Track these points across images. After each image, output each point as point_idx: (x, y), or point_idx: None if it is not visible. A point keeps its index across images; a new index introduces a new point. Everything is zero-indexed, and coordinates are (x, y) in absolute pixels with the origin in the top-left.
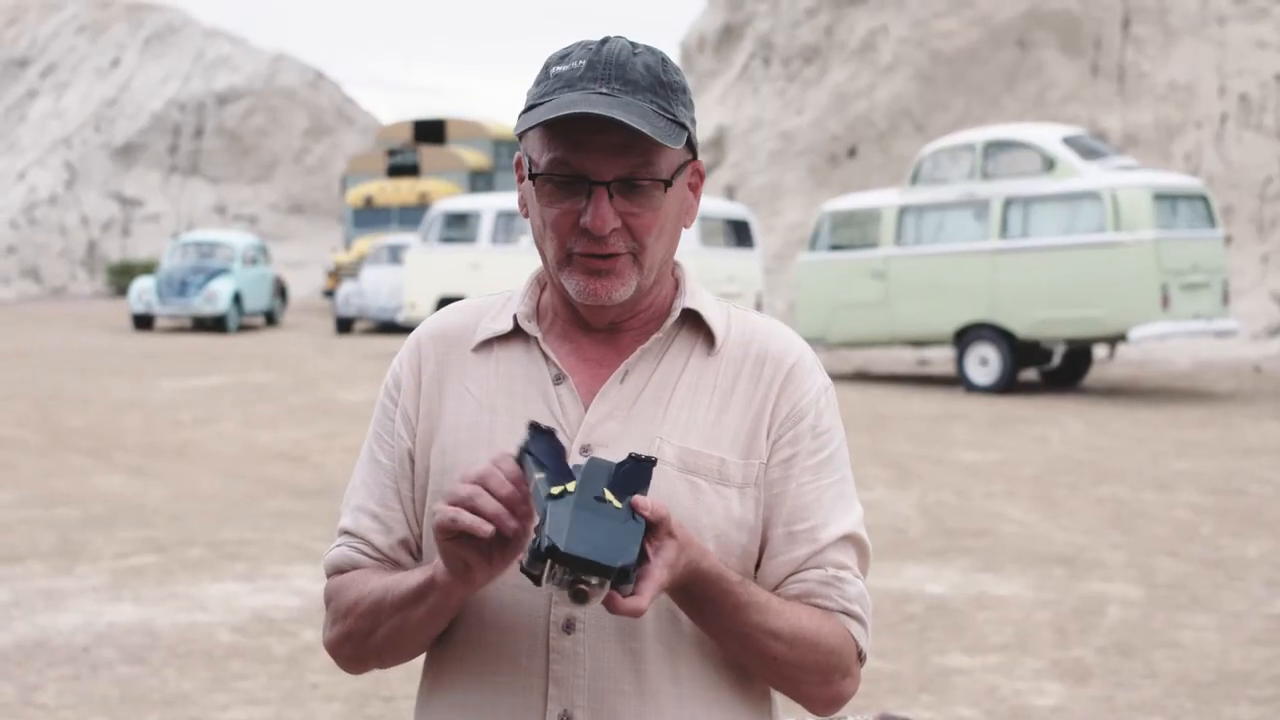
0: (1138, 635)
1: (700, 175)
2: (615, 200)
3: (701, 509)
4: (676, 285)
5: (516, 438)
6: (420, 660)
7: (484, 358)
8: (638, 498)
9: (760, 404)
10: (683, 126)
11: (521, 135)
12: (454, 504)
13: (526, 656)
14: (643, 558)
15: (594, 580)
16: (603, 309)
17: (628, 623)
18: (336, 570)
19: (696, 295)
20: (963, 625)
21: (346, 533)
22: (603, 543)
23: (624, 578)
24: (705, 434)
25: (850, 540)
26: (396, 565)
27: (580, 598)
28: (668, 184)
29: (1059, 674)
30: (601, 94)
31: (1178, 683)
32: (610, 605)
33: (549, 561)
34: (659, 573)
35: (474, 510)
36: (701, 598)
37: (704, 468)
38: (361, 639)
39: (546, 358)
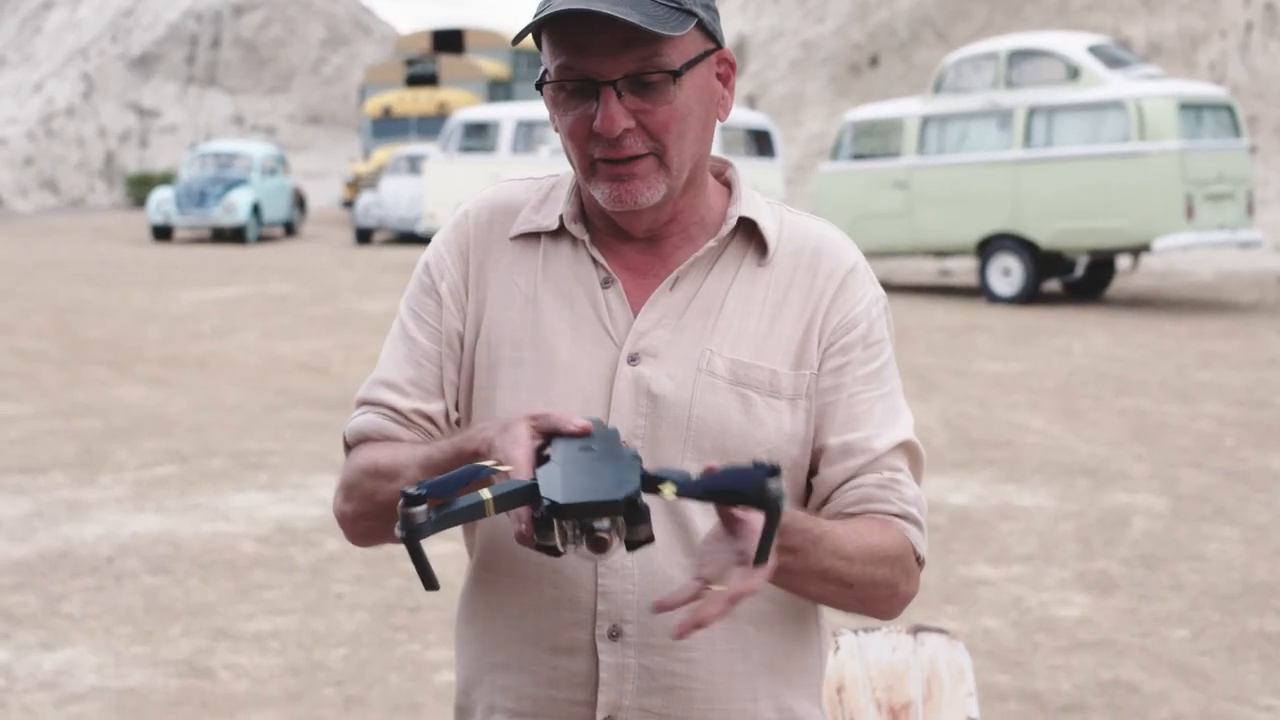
0: (1162, 547)
1: (730, 65)
2: (626, 99)
3: (753, 423)
4: (730, 190)
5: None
6: (447, 572)
7: (529, 249)
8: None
9: (812, 313)
10: (688, 13)
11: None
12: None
13: (573, 569)
14: (649, 483)
15: (605, 523)
16: (635, 215)
17: (677, 538)
18: (362, 438)
19: (753, 202)
20: (987, 536)
21: (371, 403)
22: (600, 483)
23: (635, 511)
24: (756, 345)
25: (904, 447)
26: (427, 433)
27: (600, 546)
28: (676, 74)
29: (1084, 585)
30: None
31: (1202, 594)
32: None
33: (556, 524)
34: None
35: None
36: (787, 548)
37: (755, 380)
38: (369, 499)
39: (595, 261)
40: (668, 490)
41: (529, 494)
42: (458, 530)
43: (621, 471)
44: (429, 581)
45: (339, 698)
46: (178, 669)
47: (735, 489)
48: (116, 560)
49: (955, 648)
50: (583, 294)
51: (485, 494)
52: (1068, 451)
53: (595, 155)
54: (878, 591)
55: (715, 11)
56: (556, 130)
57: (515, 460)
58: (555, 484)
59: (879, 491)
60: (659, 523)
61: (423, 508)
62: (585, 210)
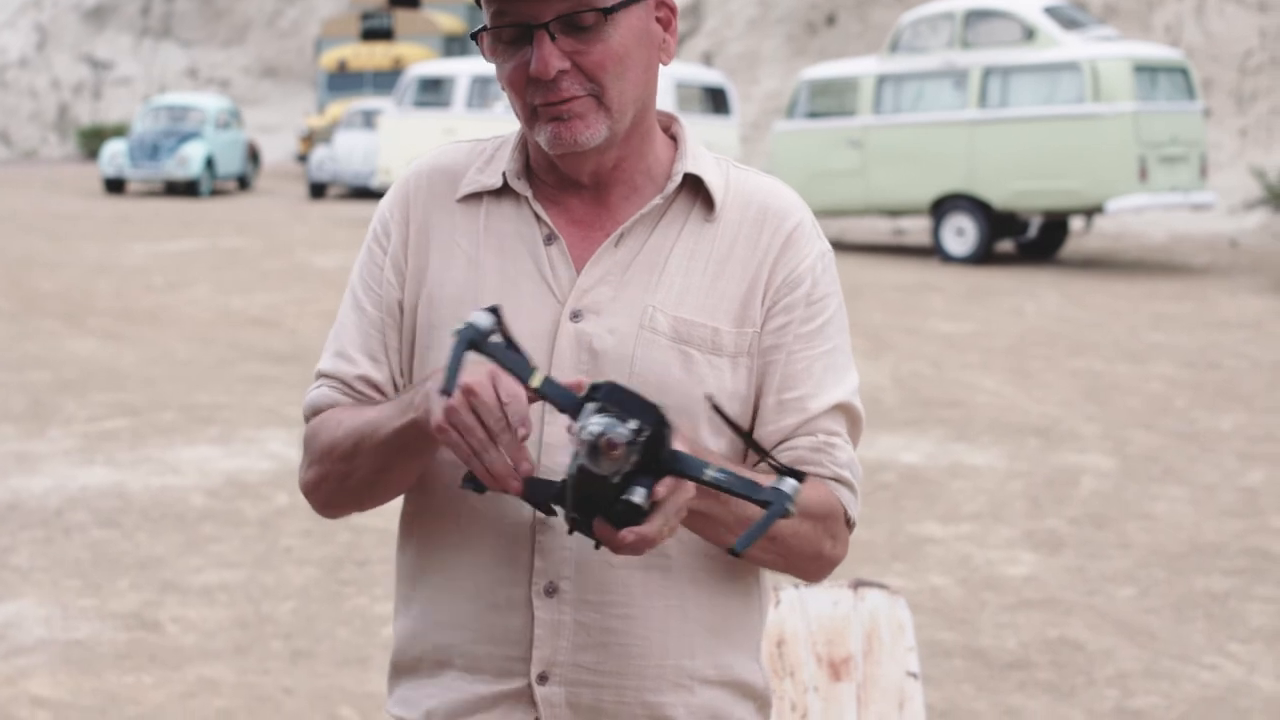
0: (1111, 506)
1: (671, 9)
2: (560, 41)
3: (693, 380)
4: (676, 144)
5: (501, 297)
6: (396, 526)
7: (471, 210)
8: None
9: (756, 269)
10: None
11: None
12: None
13: (512, 526)
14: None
15: (631, 425)
16: (579, 158)
17: None
18: (316, 411)
19: (699, 157)
20: (936, 495)
21: (325, 375)
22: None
23: (661, 435)
24: (699, 302)
25: (841, 409)
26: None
27: (610, 448)
28: (608, 12)
29: (1032, 544)
30: None
31: (1150, 554)
32: (614, 540)
33: (584, 407)
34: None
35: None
36: (703, 511)
37: (697, 337)
38: (339, 481)
39: (538, 218)
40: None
41: (572, 399)
42: (391, 505)
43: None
44: (450, 386)
45: (287, 651)
46: (125, 622)
47: (745, 491)
48: (65, 513)
49: (896, 603)
50: (525, 251)
51: (539, 371)
52: (1018, 411)
53: (535, 101)
54: (803, 549)
55: None
56: (499, 83)
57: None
58: (607, 382)
59: (812, 455)
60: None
61: (493, 327)
62: (530, 166)
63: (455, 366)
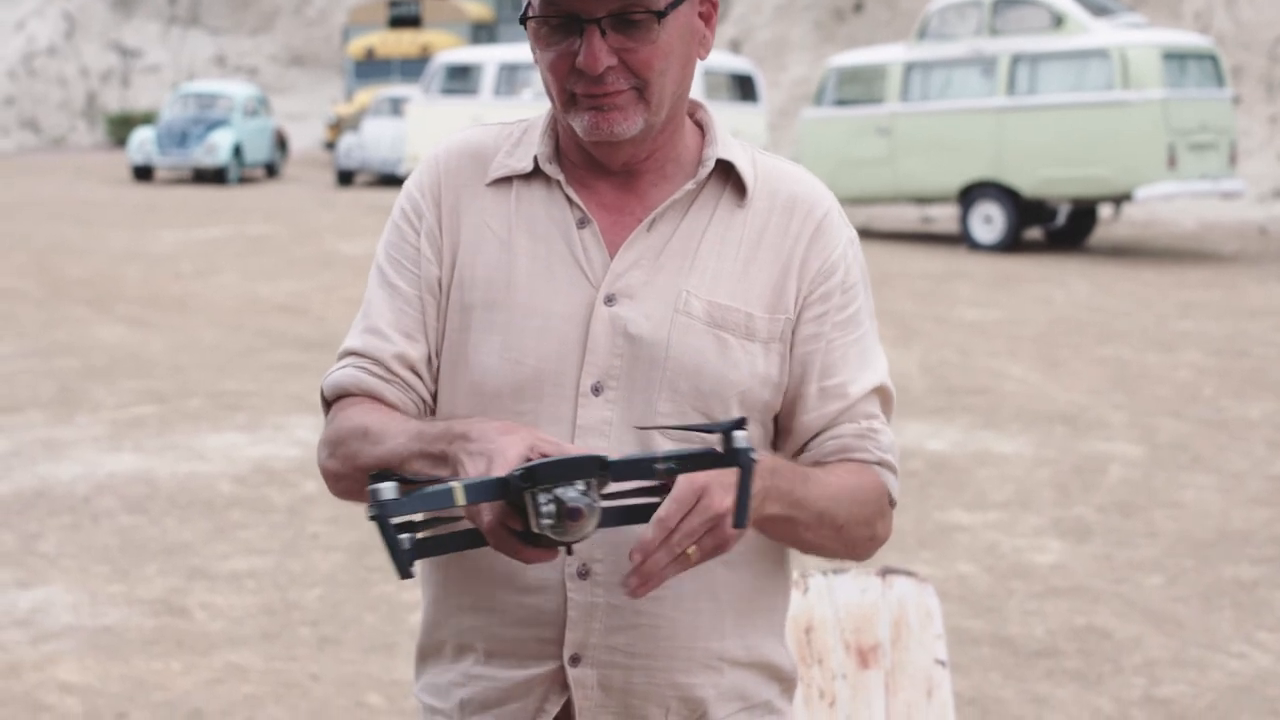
0: (1138, 494)
1: (713, 3)
2: (609, 37)
3: (728, 365)
4: (704, 132)
5: (534, 281)
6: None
7: (502, 193)
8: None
9: (788, 257)
10: None
11: None
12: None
13: None
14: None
15: (578, 489)
16: (613, 147)
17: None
18: (339, 393)
19: (728, 144)
20: (963, 482)
21: (355, 353)
22: (565, 457)
23: (605, 475)
24: (732, 287)
25: (877, 392)
26: (409, 388)
27: (575, 515)
28: (661, 15)
29: (1059, 532)
30: None
31: (1178, 542)
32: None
33: (529, 499)
34: (684, 483)
35: None
36: (777, 496)
37: (731, 322)
38: (359, 486)
39: (570, 201)
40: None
41: (499, 487)
42: None
43: (586, 453)
44: (402, 567)
45: (314, 637)
46: (153, 608)
47: (702, 454)
48: (93, 499)
49: (924, 590)
50: (558, 235)
51: (455, 483)
52: (1046, 399)
53: (576, 90)
54: (856, 532)
55: None
56: (537, 64)
57: (503, 451)
58: (527, 466)
59: (857, 442)
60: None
61: (390, 483)
62: (560, 149)
63: (394, 547)
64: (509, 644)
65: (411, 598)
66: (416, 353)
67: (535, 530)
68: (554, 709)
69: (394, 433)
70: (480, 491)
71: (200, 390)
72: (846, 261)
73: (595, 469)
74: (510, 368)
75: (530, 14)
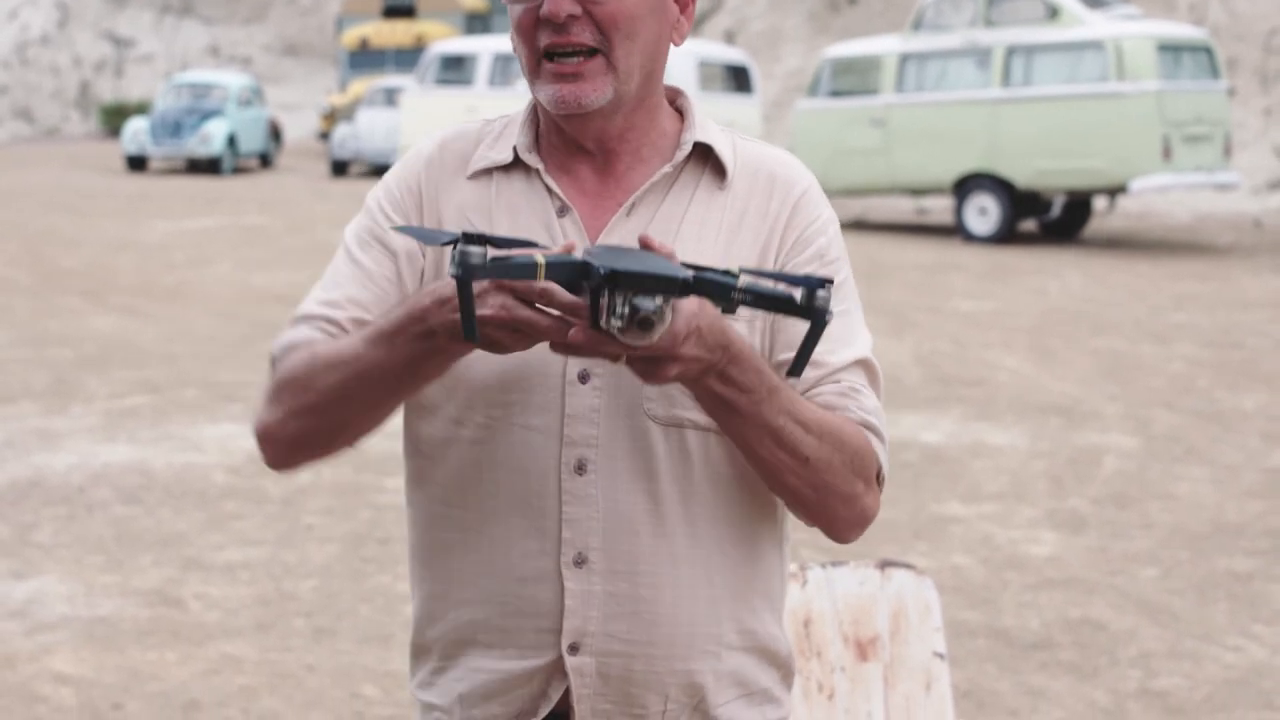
0: (1133, 486)
1: None
2: None
3: None
4: (682, 117)
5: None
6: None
7: (482, 186)
8: (645, 235)
9: (768, 233)
10: None
11: None
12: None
13: (538, 498)
14: (699, 293)
15: (656, 300)
16: (584, 120)
17: (641, 464)
18: (290, 350)
19: (707, 128)
20: (958, 474)
21: (309, 316)
22: (649, 263)
23: (686, 295)
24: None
25: (861, 365)
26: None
27: (646, 325)
28: None
29: (1054, 523)
30: None
31: (1172, 534)
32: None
33: (607, 296)
34: (689, 309)
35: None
36: (737, 382)
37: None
38: (311, 414)
39: (550, 190)
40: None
41: (581, 269)
42: (398, 482)
43: (665, 262)
44: (470, 329)
45: (309, 628)
46: (148, 599)
47: (781, 296)
48: (88, 490)
49: (923, 583)
50: (538, 224)
51: (539, 257)
52: (1041, 390)
53: (542, 44)
54: (837, 485)
55: None
56: (511, 36)
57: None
58: (604, 257)
59: (838, 399)
60: (620, 449)
61: (481, 249)
62: (540, 137)
63: (469, 309)
64: (506, 635)
65: (407, 589)
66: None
67: (602, 325)
68: (553, 699)
69: (344, 344)
70: (562, 270)
71: (194, 380)
72: (826, 236)
73: (676, 288)
74: (497, 361)
75: None
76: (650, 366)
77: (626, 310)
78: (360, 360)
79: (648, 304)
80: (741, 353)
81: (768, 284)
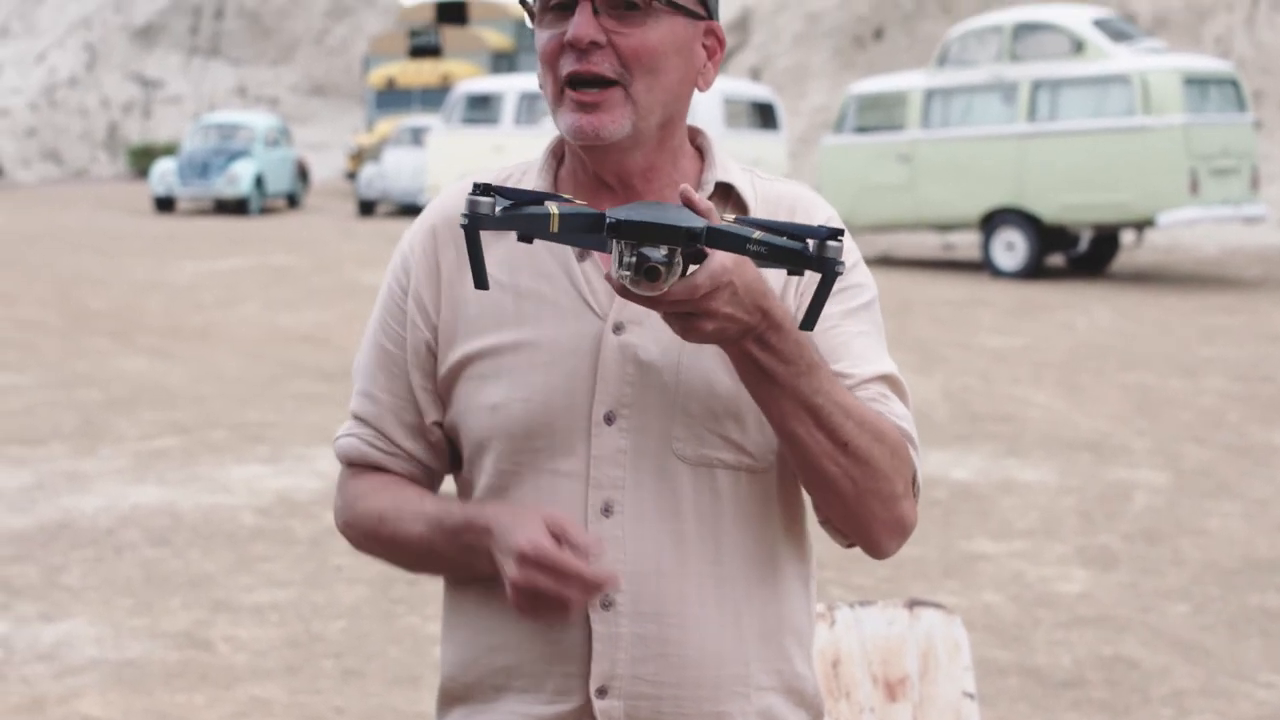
0: (1164, 522)
1: (719, 40)
2: (602, 18)
3: (740, 383)
4: (703, 156)
5: (540, 319)
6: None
7: (501, 235)
8: (685, 188)
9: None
10: None
11: None
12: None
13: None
14: (712, 245)
15: (662, 251)
16: (603, 152)
17: (668, 504)
18: (349, 462)
19: (727, 167)
20: (988, 511)
21: (357, 418)
22: (666, 215)
23: (693, 246)
24: None
25: (886, 379)
26: (411, 458)
27: (653, 275)
28: None
29: (1085, 560)
30: None
31: (1204, 569)
32: (665, 293)
33: (613, 243)
34: (718, 261)
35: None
36: (776, 350)
37: None
38: (375, 554)
39: None
40: (728, 217)
41: (595, 221)
42: None
43: (687, 214)
44: (480, 279)
45: (338, 670)
46: (176, 641)
47: (792, 247)
48: (116, 532)
49: (952, 622)
50: (559, 270)
51: (553, 208)
52: (1070, 426)
53: (564, 71)
54: (876, 479)
55: None
56: (539, 65)
57: (519, 542)
58: (620, 211)
59: (870, 404)
60: (647, 489)
61: (490, 199)
62: (558, 180)
63: (478, 259)
64: (534, 680)
65: (436, 630)
66: (412, 417)
67: (614, 275)
68: None
69: (410, 517)
70: (575, 221)
71: (223, 421)
72: (850, 260)
73: (683, 238)
74: (521, 407)
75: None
76: (685, 321)
77: (634, 259)
78: (422, 542)
79: (654, 254)
80: (782, 322)
81: (782, 239)
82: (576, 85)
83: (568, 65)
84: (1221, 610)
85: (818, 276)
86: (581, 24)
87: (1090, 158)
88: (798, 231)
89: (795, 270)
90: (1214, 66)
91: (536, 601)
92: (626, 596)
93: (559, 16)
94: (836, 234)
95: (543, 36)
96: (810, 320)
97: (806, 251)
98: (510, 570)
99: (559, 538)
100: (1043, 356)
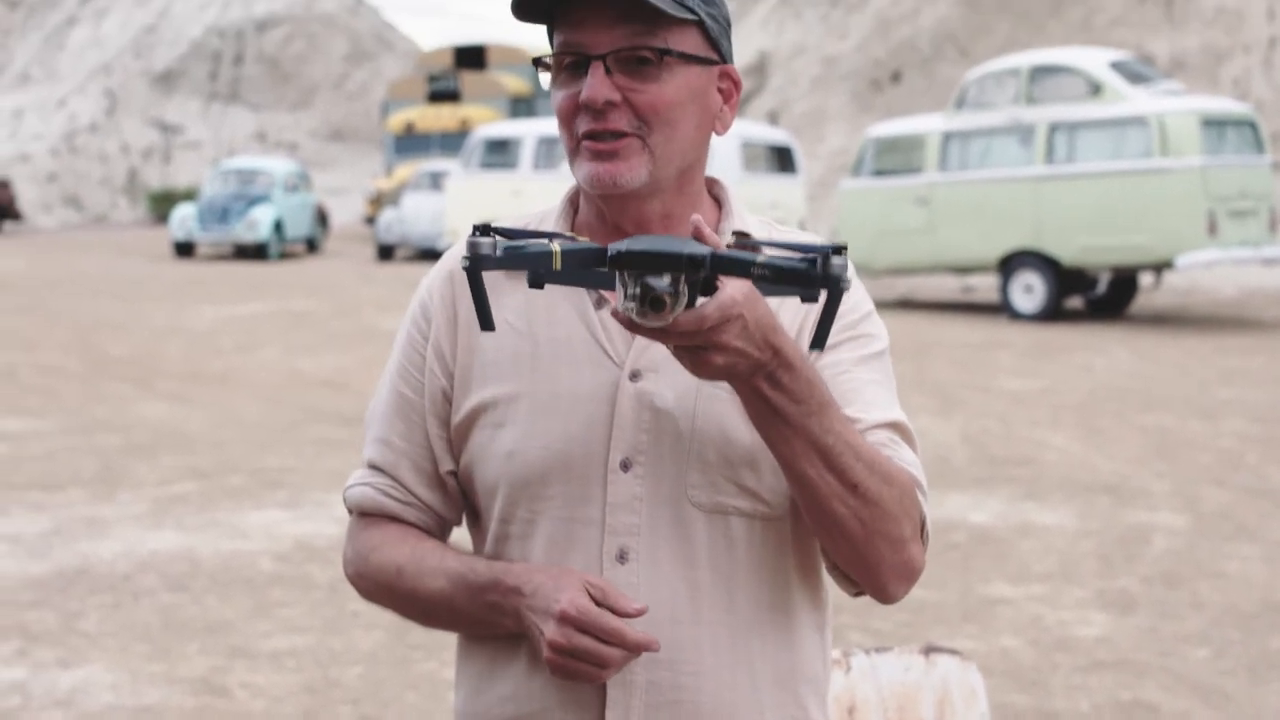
0: (1183, 565)
1: (734, 83)
2: (616, 76)
3: (744, 418)
4: (720, 206)
5: (556, 366)
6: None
7: (518, 284)
8: (697, 218)
9: (805, 313)
10: (689, 9)
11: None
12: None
13: None
14: (711, 282)
15: (666, 279)
16: (621, 201)
17: (682, 551)
18: (363, 511)
19: (744, 217)
20: (1007, 554)
21: (374, 467)
22: (668, 245)
23: (696, 273)
24: None
25: (896, 427)
26: (426, 508)
27: (658, 305)
28: (665, 53)
29: (1104, 604)
30: None
31: (1223, 613)
32: (673, 325)
33: (617, 275)
34: (728, 294)
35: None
36: (787, 389)
37: None
38: (386, 605)
39: None
40: (727, 239)
41: (597, 256)
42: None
43: (693, 244)
44: (485, 320)
45: (355, 716)
46: (194, 687)
47: (797, 266)
48: (134, 577)
49: (968, 668)
50: (576, 317)
51: (555, 245)
52: (1089, 469)
53: (581, 130)
54: (885, 522)
55: (725, 27)
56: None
57: (558, 605)
58: (623, 244)
59: (879, 449)
60: (662, 537)
61: (490, 240)
62: (575, 228)
63: (481, 301)
64: None
65: (452, 676)
66: (429, 466)
67: (620, 308)
68: None
69: (430, 572)
70: (578, 257)
71: (241, 466)
72: (861, 311)
73: (685, 265)
74: (537, 454)
75: (543, 57)
76: (695, 356)
77: (638, 290)
78: (442, 597)
79: (658, 283)
80: (793, 360)
81: (786, 259)
82: (593, 135)
83: (584, 125)
84: (1241, 654)
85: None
86: (595, 85)
87: (1108, 200)
88: (801, 249)
89: (806, 296)
90: (1231, 108)
91: (575, 666)
92: None
93: (573, 75)
94: (839, 249)
95: (558, 95)
96: (820, 339)
97: (811, 269)
98: (550, 631)
99: (598, 601)
100: (1061, 399)
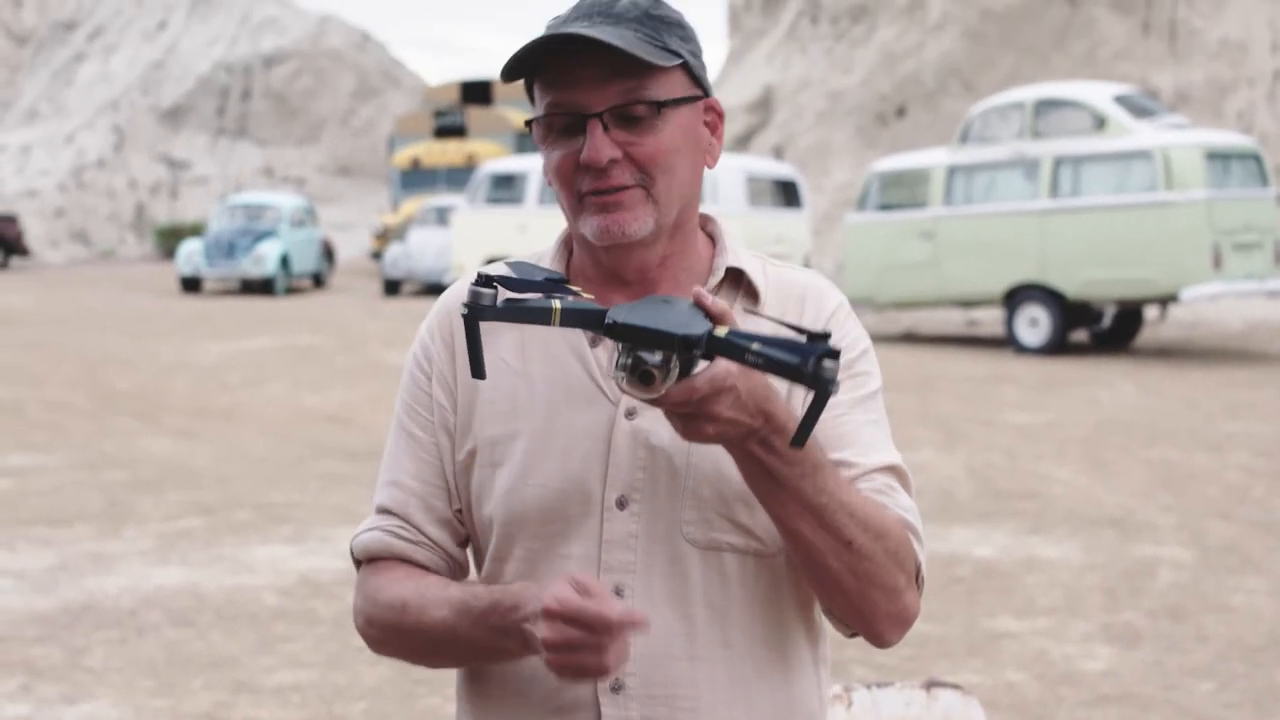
0: (1189, 598)
1: (719, 115)
2: (613, 132)
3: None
4: (714, 242)
5: (553, 404)
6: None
7: (514, 324)
8: (699, 290)
9: None
10: (674, 53)
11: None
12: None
13: None
14: (711, 353)
15: (658, 356)
16: (626, 251)
17: (678, 588)
18: (371, 557)
19: (738, 253)
20: (1011, 588)
21: (384, 510)
22: (665, 319)
23: (689, 354)
24: None
25: (892, 470)
26: (436, 547)
27: (647, 379)
28: (661, 105)
29: (1109, 638)
30: (582, 28)
31: (1229, 646)
32: (663, 396)
33: (613, 345)
34: (721, 367)
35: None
36: (780, 452)
37: None
38: (398, 650)
39: None
40: (721, 330)
41: (596, 317)
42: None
43: (692, 320)
44: (478, 369)
45: None
46: None
47: (789, 362)
48: (139, 612)
49: (969, 703)
50: (572, 356)
51: (555, 303)
52: (1094, 502)
53: (583, 189)
54: (879, 574)
55: (703, 63)
56: (546, 175)
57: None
58: (622, 311)
59: (874, 497)
60: (657, 574)
61: (492, 291)
62: (570, 269)
63: (475, 349)
64: None
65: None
66: (441, 504)
67: (611, 374)
68: None
69: (434, 603)
70: (576, 317)
71: (247, 502)
72: (858, 349)
73: (679, 346)
74: (536, 493)
75: (535, 117)
76: (686, 422)
77: (629, 362)
78: (445, 628)
79: (649, 358)
80: (785, 425)
81: (779, 352)
82: (598, 192)
83: (587, 184)
84: (1247, 688)
85: (843, 359)
86: (596, 145)
87: (1113, 233)
88: (797, 346)
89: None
90: (1236, 142)
91: (572, 660)
92: (637, 680)
93: (566, 133)
94: (834, 354)
95: (554, 155)
96: (801, 437)
97: (803, 369)
98: (541, 631)
99: (582, 592)
100: (1067, 433)
